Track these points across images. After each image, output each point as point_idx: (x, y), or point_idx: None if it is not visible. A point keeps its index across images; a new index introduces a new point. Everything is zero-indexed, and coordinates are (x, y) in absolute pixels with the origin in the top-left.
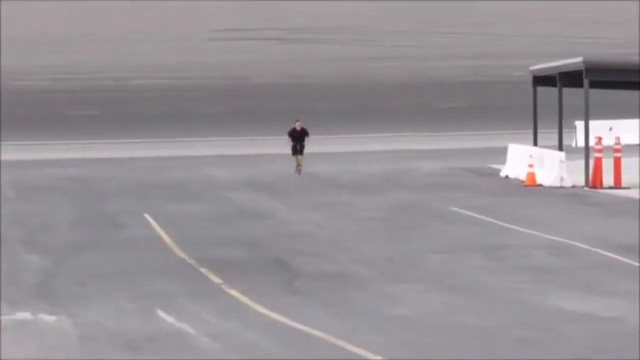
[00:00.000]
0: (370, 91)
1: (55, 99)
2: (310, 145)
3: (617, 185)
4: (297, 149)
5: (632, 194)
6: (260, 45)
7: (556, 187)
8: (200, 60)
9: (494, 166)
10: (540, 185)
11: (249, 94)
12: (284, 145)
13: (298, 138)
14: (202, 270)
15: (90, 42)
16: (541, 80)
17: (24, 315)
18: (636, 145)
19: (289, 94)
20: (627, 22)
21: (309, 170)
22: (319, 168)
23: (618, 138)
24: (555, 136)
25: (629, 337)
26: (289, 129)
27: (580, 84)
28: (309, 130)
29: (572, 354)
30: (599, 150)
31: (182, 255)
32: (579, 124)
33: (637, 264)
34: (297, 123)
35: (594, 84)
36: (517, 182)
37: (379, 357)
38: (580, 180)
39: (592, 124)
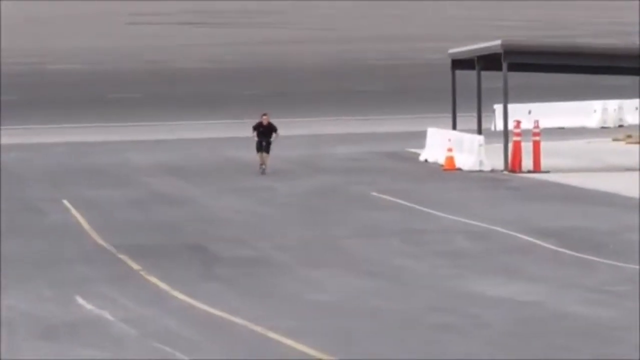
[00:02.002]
0: (289, 75)
1: None
2: (232, 130)
3: (537, 169)
4: (262, 146)
5: (551, 177)
6: (177, 29)
7: (475, 171)
8: (118, 45)
9: (413, 150)
10: (460, 169)
11: (167, 78)
12: (251, 140)
13: (264, 133)
14: (121, 256)
15: (3, 25)
16: (460, 63)
17: None
18: (555, 128)
19: (207, 79)
20: (546, 4)
21: (228, 156)
22: (237, 153)
23: (537, 122)
24: (474, 120)
25: (547, 322)
26: (254, 122)
27: (499, 67)
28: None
29: (491, 339)
30: (518, 134)
31: (101, 241)
32: (498, 108)
33: (555, 248)
34: (264, 117)
35: (513, 67)
36: (436, 166)
37: (298, 343)
38: (500, 164)
39: (511, 107)
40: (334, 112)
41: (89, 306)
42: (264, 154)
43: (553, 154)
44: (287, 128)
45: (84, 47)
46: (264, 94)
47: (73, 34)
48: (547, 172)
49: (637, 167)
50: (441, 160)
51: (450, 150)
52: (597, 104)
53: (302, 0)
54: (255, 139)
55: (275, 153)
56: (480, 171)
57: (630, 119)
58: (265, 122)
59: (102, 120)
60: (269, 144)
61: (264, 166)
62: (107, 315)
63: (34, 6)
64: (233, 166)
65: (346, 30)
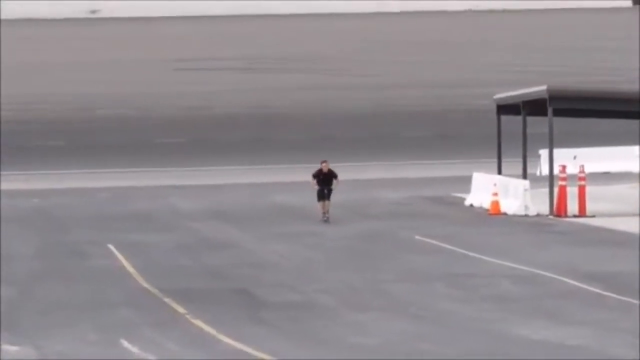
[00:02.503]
0: (335, 121)
1: (17, 130)
2: (277, 174)
3: (582, 213)
4: (325, 194)
5: (597, 222)
6: (223, 75)
7: (521, 216)
8: (165, 91)
9: (459, 195)
10: (505, 214)
11: (212, 124)
12: (311, 188)
13: (324, 181)
14: (166, 300)
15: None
16: (505, 108)
17: None
18: (600, 173)
19: (253, 124)
20: (589, 50)
21: (274, 200)
22: (285, 198)
23: (582, 166)
24: (519, 165)
25: None
26: (314, 171)
27: (544, 113)
28: (337, 172)
29: None
30: (563, 179)
31: (146, 285)
32: (543, 153)
33: (600, 291)
34: (324, 164)
35: (558, 112)
36: (482, 211)
37: None
38: (545, 209)
39: (556, 152)
40: (381, 157)
41: (134, 349)
42: (326, 202)
43: (598, 198)
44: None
45: (133, 93)
46: (311, 138)
47: (122, 80)
48: (593, 216)
49: None
50: (486, 204)
51: (495, 194)
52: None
53: (349, 48)
54: (316, 187)
55: None
56: (526, 215)
57: None
58: (325, 170)
59: (150, 165)
60: (330, 191)
61: (327, 215)
62: (152, 358)
63: (81, 52)
64: (279, 211)
65: (393, 76)
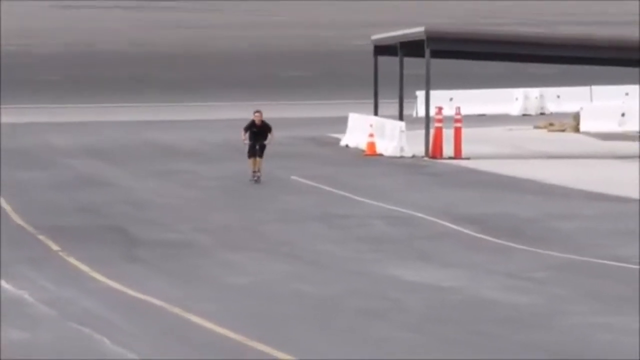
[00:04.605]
0: (213, 60)
1: None
2: (151, 113)
3: (457, 155)
4: (256, 150)
5: (472, 164)
6: (103, 13)
7: (396, 157)
8: (45, 26)
9: (335, 135)
10: (381, 155)
11: (91, 61)
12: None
13: (258, 135)
14: (41, 237)
15: None
16: (383, 49)
17: None
18: (476, 115)
19: (130, 62)
20: None
21: (149, 139)
22: (161, 136)
23: (458, 108)
24: (396, 106)
25: (467, 307)
26: (246, 123)
27: (421, 54)
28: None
29: (410, 324)
30: (439, 121)
31: (20, 222)
32: (420, 94)
33: (475, 234)
34: (257, 115)
35: (435, 54)
36: (358, 152)
37: (218, 326)
38: (421, 151)
39: (433, 94)
40: (259, 97)
41: (7, 286)
42: (257, 159)
43: (474, 141)
44: (210, 112)
45: (11, 29)
46: (188, 77)
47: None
48: (468, 158)
49: (558, 154)
50: (362, 145)
51: (371, 135)
52: (518, 92)
53: None
54: (247, 142)
55: (200, 136)
56: (402, 157)
57: (552, 106)
58: (258, 121)
59: (24, 101)
60: (263, 147)
61: (258, 173)
62: (26, 295)
63: None
64: (154, 148)
65: (272, 16)
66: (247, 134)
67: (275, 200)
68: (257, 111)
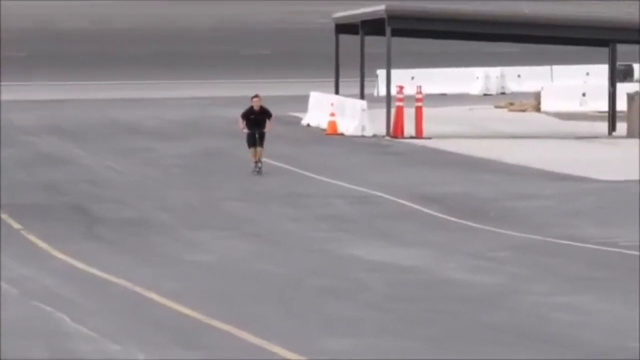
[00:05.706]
0: (173, 37)
1: None
2: (113, 90)
3: (418, 135)
4: (256, 138)
5: (432, 144)
6: None
7: (357, 136)
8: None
9: (296, 114)
10: (342, 134)
11: (54, 38)
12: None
13: (256, 122)
14: (2, 215)
15: None
16: (344, 28)
17: None
18: (437, 95)
19: (92, 39)
20: None
21: (111, 116)
22: (122, 114)
23: (419, 87)
24: (357, 85)
25: (427, 286)
26: (243, 109)
27: (382, 32)
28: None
29: (371, 303)
30: (400, 100)
31: None
32: (381, 73)
33: (437, 214)
34: (255, 100)
35: (396, 32)
36: (319, 131)
37: (178, 305)
38: (382, 130)
39: (394, 73)
40: (222, 75)
41: None
42: (258, 148)
43: (435, 120)
44: (172, 90)
45: None
46: (152, 54)
47: None
48: (429, 138)
49: (519, 134)
50: (323, 124)
51: (332, 114)
52: (479, 71)
53: None
54: (245, 131)
55: (160, 114)
56: (363, 136)
57: (512, 86)
58: (256, 107)
59: None
60: (262, 135)
61: (259, 164)
62: None
63: None
64: (114, 126)
65: None
66: (245, 123)
67: (237, 179)
68: (256, 96)
